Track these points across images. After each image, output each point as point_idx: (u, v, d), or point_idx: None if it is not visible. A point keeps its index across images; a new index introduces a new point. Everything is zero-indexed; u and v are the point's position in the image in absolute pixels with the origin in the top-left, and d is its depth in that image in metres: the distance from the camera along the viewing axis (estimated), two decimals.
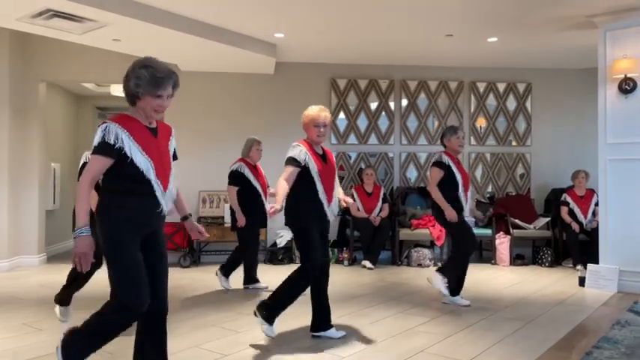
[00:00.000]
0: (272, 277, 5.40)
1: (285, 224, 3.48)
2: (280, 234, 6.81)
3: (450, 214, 4.26)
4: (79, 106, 8.70)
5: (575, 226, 6.32)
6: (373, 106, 7.39)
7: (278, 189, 3.30)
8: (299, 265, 3.38)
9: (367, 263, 6.39)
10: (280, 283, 3.36)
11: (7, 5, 4.53)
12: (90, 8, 4.52)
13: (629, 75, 5.03)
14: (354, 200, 6.71)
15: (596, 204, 6.46)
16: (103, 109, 9.11)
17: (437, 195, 4.33)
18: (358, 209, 6.66)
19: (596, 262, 5.27)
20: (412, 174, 7.45)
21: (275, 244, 6.80)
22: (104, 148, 2.23)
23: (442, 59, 7.09)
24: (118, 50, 5.99)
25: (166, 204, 2.38)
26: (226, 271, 5.06)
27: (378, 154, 7.39)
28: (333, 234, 7.12)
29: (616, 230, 5.12)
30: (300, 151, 3.36)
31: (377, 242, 6.52)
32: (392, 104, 7.42)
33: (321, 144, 3.53)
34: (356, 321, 3.92)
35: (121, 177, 2.27)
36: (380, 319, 3.99)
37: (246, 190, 4.96)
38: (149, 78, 2.27)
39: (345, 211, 6.99)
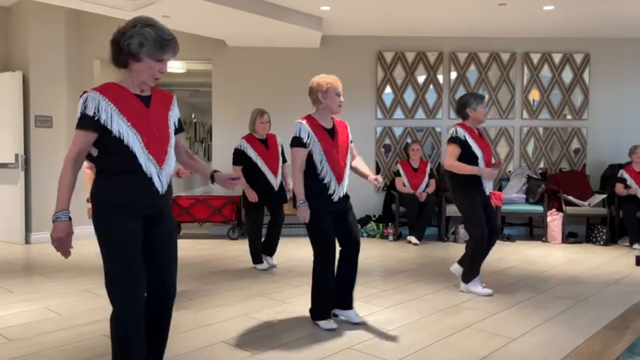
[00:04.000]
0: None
1: (294, 207, 3.26)
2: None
3: (485, 171, 3.81)
4: None
5: (625, 192, 6.15)
6: (421, 79, 7.24)
7: (295, 184, 3.12)
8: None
9: (413, 239, 6.35)
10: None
11: None
12: None
13: None
14: (400, 175, 6.66)
15: None
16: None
17: (459, 166, 3.88)
18: (404, 185, 6.61)
19: None
20: None
21: None
22: (84, 121, 1.99)
23: (494, 29, 6.83)
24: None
25: (164, 181, 2.10)
26: (261, 253, 4.93)
27: (424, 129, 7.26)
28: (378, 209, 7.11)
29: None
30: (302, 130, 3.13)
31: (423, 218, 6.46)
32: (440, 77, 7.24)
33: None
34: (401, 296, 3.92)
35: (108, 154, 2.04)
36: (425, 294, 3.98)
37: (250, 168, 4.77)
38: (155, 38, 2.00)
39: (391, 187, 6.95)
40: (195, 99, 12.38)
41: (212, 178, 2.33)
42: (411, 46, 7.18)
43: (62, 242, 1.95)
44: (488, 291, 3.96)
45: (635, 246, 5.87)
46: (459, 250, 5.96)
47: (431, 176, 6.69)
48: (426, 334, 3.07)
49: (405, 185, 6.61)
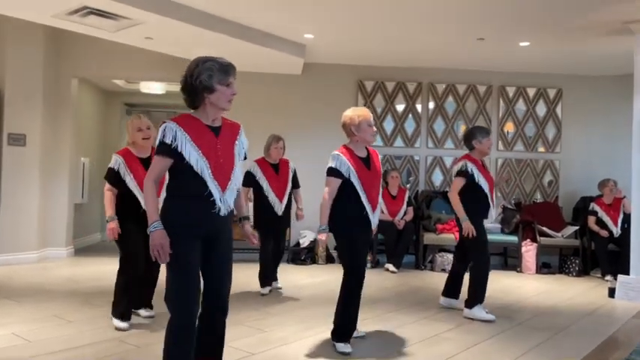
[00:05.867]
0: (294, 277, 5.40)
1: (329, 231, 3.38)
2: (303, 234, 6.82)
3: (467, 226, 4.04)
4: (108, 103, 8.83)
5: (604, 233, 6.22)
6: (400, 108, 7.35)
7: (322, 209, 3.24)
8: (343, 272, 3.33)
9: (390, 267, 6.35)
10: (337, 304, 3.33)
11: (45, 2, 4.62)
12: (126, 6, 4.59)
13: None
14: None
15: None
16: (131, 106, 9.24)
17: (456, 203, 4.13)
18: (382, 212, 6.63)
19: (626, 272, 5.16)
20: (438, 178, 7.38)
21: (298, 244, 6.81)
22: (163, 148, 2.26)
23: (472, 63, 7.01)
24: (148, 48, 6.08)
25: (226, 204, 2.34)
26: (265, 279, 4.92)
27: (403, 157, 7.34)
28: None
29: None
30: (340, 163, 3.25)
31: (401, 246, 6.48)
32: (419, 107, 7.36)
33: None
34: (380, 325, 3.89)
35: (178, 179, 2.29)
36: (405, 323, 3.96)
37: (256, 192, 4.86)
38: (219, 67, 2.30)
39: None
40: None
41: (239, 220, 2.61)
42: (391, 75, 7.30)
43: (163, 247, 2.18)
44: (491, 317, 4.10)
45: (608, 277, 6.00)
46: (436, 278, 6.00)
47: (409, 204, 6.74)
48: None
49: (383, 212, 6.63)
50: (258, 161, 4.93)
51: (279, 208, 4.85)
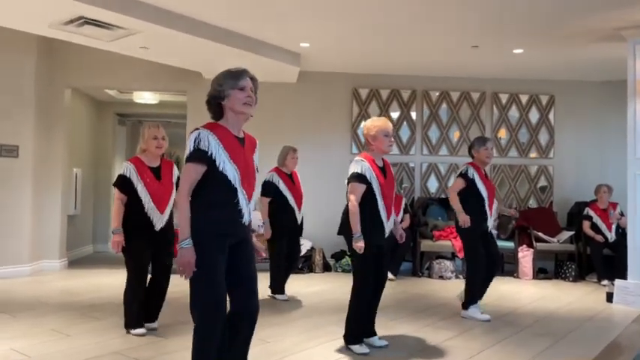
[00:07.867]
0: (293, 286, 5.35)
1: (339, 234, 3.49)
2: (300, 243, 6.77)
3: (463, 218, 4.22)
4: (100, 113, 8.75)
5: (599, 238, 6.26)
6: (395, 115, 7.37)
7: (352, 217, 3.26)
8: (352, 279, 3.44)
9: (388, 274, 6.32)
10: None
11: (41, 12, 4.58)
12: (122, 16, 4.56)
13: None
14: None
15: (621, 213, 6.38)
16: (124, 116, 9.19)
17: (454, 199, 4.31)
18: None
19: (621, 277, 5.19)
20: (433, 184, 7.40)
21: None
22: (198, 155, 2.27)
23: (465, 70, 7.06)
24: (143, 57, 6.04)
25: (249, 213, 2.38)
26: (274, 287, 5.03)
27: (398, 164, 7.35)
28: None
29: None
30: (363, 167, 3.33)
31: (398, 253, 6.46)
32: (414, 114, 7.39)
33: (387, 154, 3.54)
34: (382, 333, 3.84)
35: (208, 186, 2.29)
36: (406, 332, 3.94)
37: (278, 201, 4.91)
38: (227, 74, 2.38)
39: None
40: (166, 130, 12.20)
41: None
42: (385, 83, 7.33)
43: (191, 264, 2.21)
44: (486, 317, 4.27)
45: (604, 282, 6.03)
46: (435, 285, 5.99)
47: (405, 211, 6.74)
48: None
49: None
50: (276, 170, 5.00)
51: (299, 217, 5.01)
